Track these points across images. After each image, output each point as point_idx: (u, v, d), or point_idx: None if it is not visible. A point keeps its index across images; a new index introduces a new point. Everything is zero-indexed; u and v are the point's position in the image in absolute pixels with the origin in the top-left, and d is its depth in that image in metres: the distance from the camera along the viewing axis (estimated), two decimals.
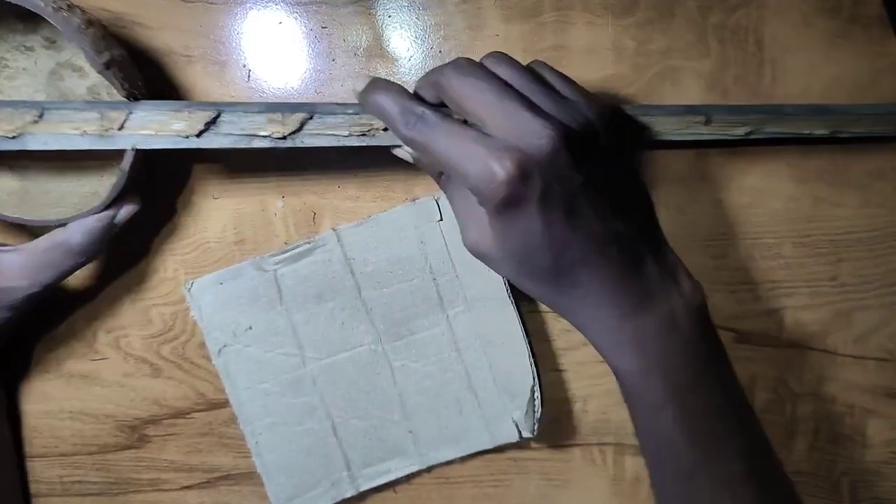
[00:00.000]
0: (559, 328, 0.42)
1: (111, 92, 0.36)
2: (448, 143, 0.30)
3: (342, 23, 0.39)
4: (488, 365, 0.40)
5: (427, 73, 0.32)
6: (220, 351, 0.41)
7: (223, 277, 0.40)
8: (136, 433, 0.43)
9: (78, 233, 0.36)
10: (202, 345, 0.41)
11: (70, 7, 0.33)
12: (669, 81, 0.40)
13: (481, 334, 0.40)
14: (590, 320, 0.32)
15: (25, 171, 0.38)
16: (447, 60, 0.29)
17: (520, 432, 0.40)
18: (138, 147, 0.34)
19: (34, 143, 0.34)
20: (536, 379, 0.40)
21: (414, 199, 0.41)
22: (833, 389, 0.43)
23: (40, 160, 0.37)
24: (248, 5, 0.39)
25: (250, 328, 0.40)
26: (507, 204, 0.29)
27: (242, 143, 0.34)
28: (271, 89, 0.40)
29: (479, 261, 0.32)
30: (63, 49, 0.36)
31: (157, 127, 0.34)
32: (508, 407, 0.41)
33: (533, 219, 0.29)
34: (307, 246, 0.40)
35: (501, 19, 0.39)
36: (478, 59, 0.32)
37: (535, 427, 0.40)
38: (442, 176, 0.34)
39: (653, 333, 0.31)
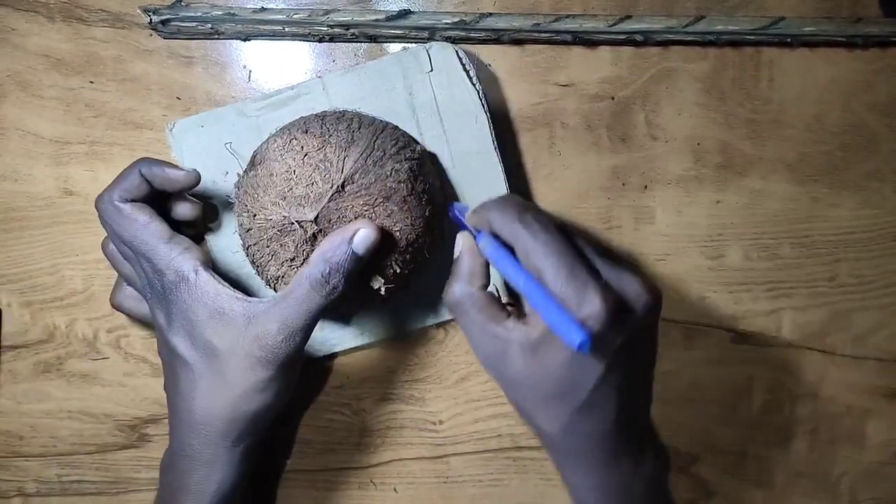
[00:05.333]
0: None
1: None
2: (558, 260, 0.29)
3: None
4: None
5: (489, 211, 0.32)
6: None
7: (205, 120, 0.38)
8: (136, 432, 0.43)
9: (319, 262, 0.33)
10: None
11: None
12: (666, 83, 0.40)
13: (465, 191, 0.39)
14: (575, 464, 0.34)
15: None
16: None
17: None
18: None
19: None
20: None
21: (405, 48, 0.39)
22: (832, 390, 0.42)
23: None
24: (248, 7, 0.39)
25: (227, 174, 0.38)
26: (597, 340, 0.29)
27: None
28: (271, 90, 0.40)
29: (466, 118, 0.37)
30: None
31: None
32: None
33: (596, 365, 0.30)
34: (291, 93, 0.38)
35: None
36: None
37: None
38: (453, 299, 0.33)
39: (625, 488, 0.34)
